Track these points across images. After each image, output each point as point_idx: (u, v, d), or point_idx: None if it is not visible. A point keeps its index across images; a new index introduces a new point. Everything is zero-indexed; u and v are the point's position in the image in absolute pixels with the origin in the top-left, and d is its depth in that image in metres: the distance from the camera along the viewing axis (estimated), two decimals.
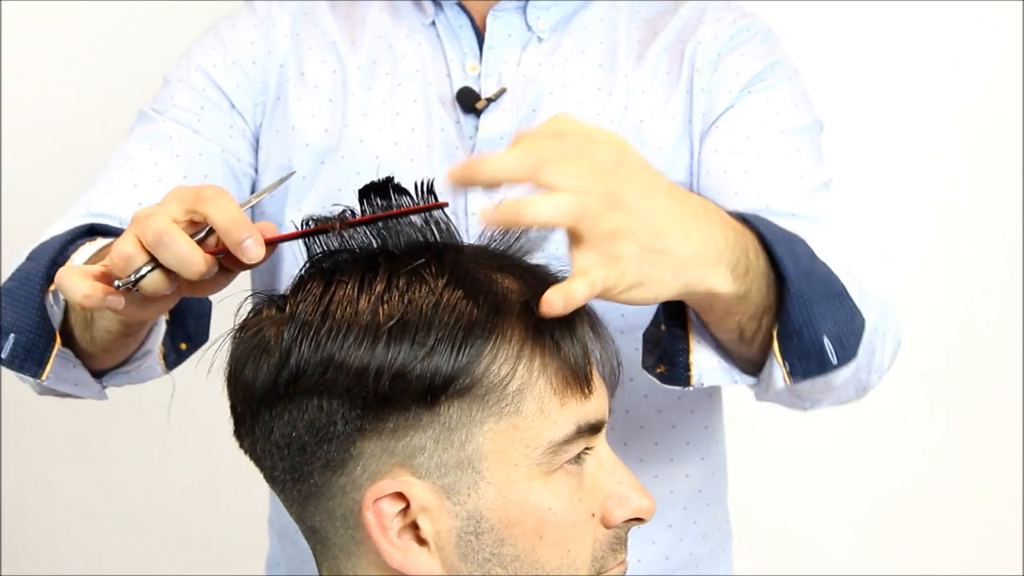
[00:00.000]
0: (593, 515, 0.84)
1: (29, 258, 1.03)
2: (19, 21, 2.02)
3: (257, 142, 1.22)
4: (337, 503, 0.82)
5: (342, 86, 1.21)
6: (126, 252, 0.80)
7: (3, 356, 0.99)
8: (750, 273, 0.89)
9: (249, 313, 0.86)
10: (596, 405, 0.84)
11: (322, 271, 0.83)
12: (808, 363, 0.95)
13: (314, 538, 0.86)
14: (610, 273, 0.79)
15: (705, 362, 0.98)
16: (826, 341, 0.94)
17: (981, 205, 2.15)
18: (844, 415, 2.09)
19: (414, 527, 0.81)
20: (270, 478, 0.85)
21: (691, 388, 0.99)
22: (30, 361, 0.99)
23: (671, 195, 0.83)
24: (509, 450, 0.81)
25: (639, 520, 0.87)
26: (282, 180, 0.93)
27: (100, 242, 1.02)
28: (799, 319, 0.92)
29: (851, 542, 2.23)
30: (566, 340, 0.82)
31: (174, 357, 1.06)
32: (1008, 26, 2.09)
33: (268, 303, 0.85)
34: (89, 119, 2.01)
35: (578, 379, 0.83)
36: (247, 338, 0.83)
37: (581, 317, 0.84)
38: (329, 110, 1.20)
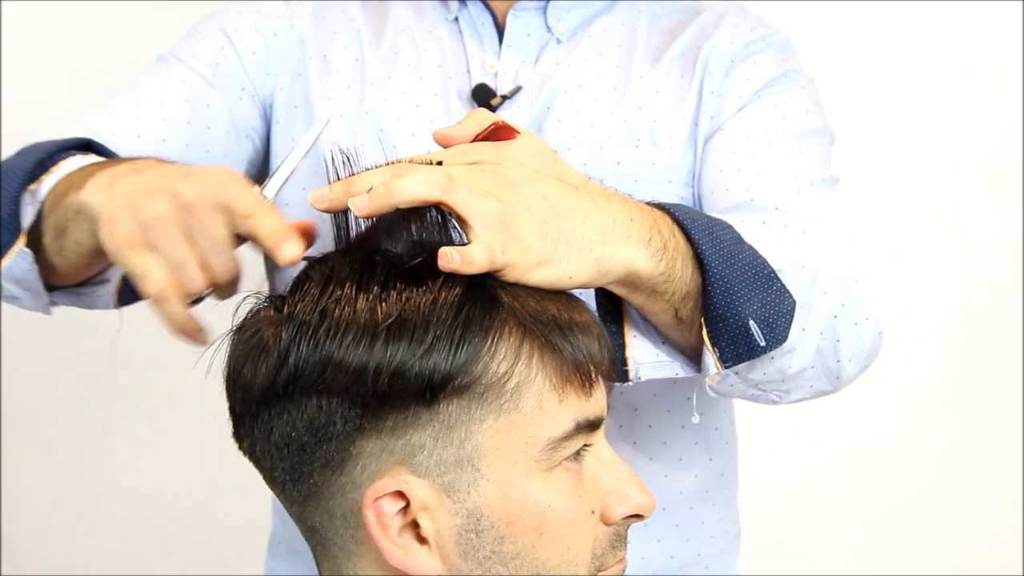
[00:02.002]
0: (593, 512, 0.84)
1: (19, 153, 1.04)
2: (19, 21, 2.02)
3: (265, 111, 1.23)
4: (337, 503, 0.82)
5: (361, 75, 1.22)
6: (197, 283, 0.83)
7: None
8: (668, 249, 0.90)
9: (247, 314, 0.86)
10: (595, 401, 0.84)
11: (319, 271, 0.83)
12: (737, 347, 0.94)
13: (314, 538, 0.86)
14: (511, 247, 0.81)
15: (642, 356, 0.98)
16: (752, 324, 0.93)
17: (989, 205, 2.15)
18: (848, 417, 2.11)
19: (414, 526, 0.81)
20: (269, 479, 0.85)
21: (630, 383, 0.98)
22: None
23: (563, 182, 0.85)
24: (508, 447, 0.80)
25: (638, 517, 0.87)
26: (313, 138, 0.94)
27: (92, 158, 1.03)
28: (722, 302, 0.93)
29: (854, 544, 2.23)
30: (564, 337, 0.82)
31: (129, 293, 1.06)
32: (1015, 26, 2.09)
33: (266, 304, 0.85)
34: None
35: (577, 375, 0.82)
36: (245, 339, 0.83)
37: (580, 313, 0.84)
38: (346, 97, 1.21)
